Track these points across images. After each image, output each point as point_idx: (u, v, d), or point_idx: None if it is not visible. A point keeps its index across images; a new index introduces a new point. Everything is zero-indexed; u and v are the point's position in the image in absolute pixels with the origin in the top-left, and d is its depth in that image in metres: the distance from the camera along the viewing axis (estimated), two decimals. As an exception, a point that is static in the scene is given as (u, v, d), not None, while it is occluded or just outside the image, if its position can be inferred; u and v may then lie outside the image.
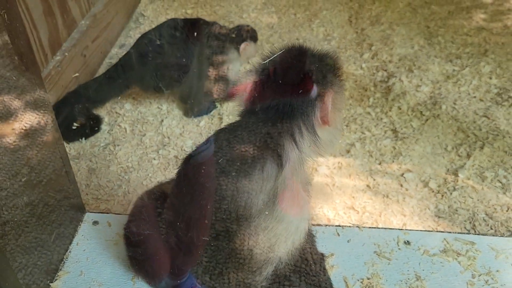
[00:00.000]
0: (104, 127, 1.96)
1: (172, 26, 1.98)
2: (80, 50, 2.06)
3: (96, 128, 1.91)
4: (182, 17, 2.11)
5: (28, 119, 0.92)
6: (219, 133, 0.90)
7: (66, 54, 1.94)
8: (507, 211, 1.62)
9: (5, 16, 0.81)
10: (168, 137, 1.91)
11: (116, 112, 2.03)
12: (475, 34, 2.58)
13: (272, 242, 0.85)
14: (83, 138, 1.88)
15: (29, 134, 0.92)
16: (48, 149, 1.01)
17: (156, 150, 1.86)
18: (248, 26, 2.12)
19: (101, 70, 2.29)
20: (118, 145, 1.87)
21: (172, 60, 1.95)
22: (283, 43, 2.48)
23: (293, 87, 0.84)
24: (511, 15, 2.78)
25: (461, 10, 2.84)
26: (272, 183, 0.81)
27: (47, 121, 0.98)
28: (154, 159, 1.82)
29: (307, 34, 2.61)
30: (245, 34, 2.05)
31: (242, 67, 2.15)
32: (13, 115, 0.85)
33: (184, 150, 1.85)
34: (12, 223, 0.86)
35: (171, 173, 1.75)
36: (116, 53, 2.42)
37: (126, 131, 1.94)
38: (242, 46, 2.03)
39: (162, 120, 1.99)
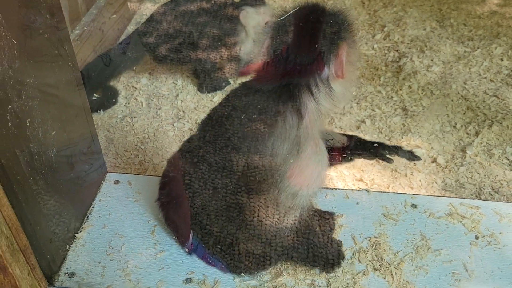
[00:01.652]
0: (121, 100, 2.02)
1: None
2: (99, 25, 2.11)
3: (114, 100, 1.97)
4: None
5: (57, 79, 0.98)
6: (245, 84, 0.97)
7: (85, 28, 2.00)
8: (513, 186, 1.66)
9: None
10: (183, 111, 1.97)
11: (133, 86, 2.09)
12: (487, 18, 2.59)
13: (297, 189, 0.91)
14: (101, 110, 1.94)
15: (58, 93, 0.98)
16: (75, 110, 1.07)
17: (171, 123, 1.91)
18: None
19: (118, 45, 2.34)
20: (134, 117, 1.93)
21: (182, 32, 2.01)
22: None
23: (310, 44, 0.88)
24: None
25: (474, -7, 2.85)
26: (295, 132, 0.87)
27: (75, 82, 1.04)
28: (170, 131, 1.87)
29: (320, 15, 2.64)
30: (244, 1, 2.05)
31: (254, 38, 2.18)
32: (44, 76, 0.91)
33: (198, 123, 1.90)
34: (44, 174, 0.92)
35: (186, 144, 1.81)
36: (132, 30, 2.47)
37: (142, 104, 2.00)
38: (241, 15, 2.03)
39: (177, 95, 2.05)
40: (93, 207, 1.16)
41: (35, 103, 0.87)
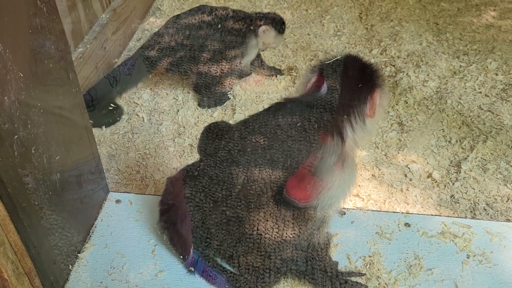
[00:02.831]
0: (123, 116, 2.06)
1: (201, 11, 2.09)
2: (101, 43, 2.16)
3: (118, 118, 2.02)
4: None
5: (61, 105, 1.01)
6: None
7: (88, 46, 2.04)
8: (507, 201, 1.68)
9: (44, 9, 0.91)
10: (184, 127, 2.01)
11: (134, 102, 2.13)
12: (483, 32, 2.64)
13: (334, 196, 1.07)
14: (104, 127, 1.99)
15: (62, 119, 1.02)
16: (78, 133, 1.11)
17: (172, 139, 1.95)
18: (275, 13, 2.19)
19: (120, 61, 2.39)
20: (136, 133, 1.97)
21: (183, 46, 2.08)
22: (294, 37, 2.56)
23: (355, 86, 1.07)
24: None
25: (470, 7, 2.89)
26: (340, 150, 1.03)
27: (79, 106, 1.08)
28: (170, 146, 1.91)
29: (318, 30, 2.68)
30: (267, 19, 2.12)
31: (257, 55, 2.24)
32: (49, 103, 0.95)
33: (198, 138, 1.94)
34: (48, 198, 0.96)
35: (186, 160, 1.85)
36: (134, 46, 2.52)
37: (143, 120, 2.04)
38: (261, 29, 2.10)
39: (178, 110, 2.09)
40: (95, 227, 1.19)
41: (40, 130, 0.91)
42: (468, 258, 1.11)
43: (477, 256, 1.12)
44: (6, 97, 0.79)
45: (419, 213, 1.60)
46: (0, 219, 0.80)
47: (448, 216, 1.28)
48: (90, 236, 1.17)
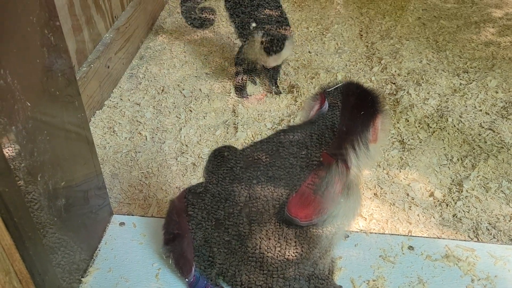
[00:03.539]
0: (125, 135, 2.07)
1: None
2: (104, 61, 2.18)
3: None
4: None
5: (65, 123, 1.02)
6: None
7: (92, 65, 2.06)
8: (509, 220, 1.69)
9: (52, 38, 0.92)
10: (186, 145, 2.02)
11: (137, 121, 2.14)
12: (482, 49, 2.66)
13: (340, 223, 1.08)
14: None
15: (68, 145, 1.03)
16: (83, 158, 1.12)
17: (174, 157, 1.96)
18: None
19: (123, 80, 2.41)
20: (139, 152, 1.98)
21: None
22: (296, 55, 2.58)
23: (358, 113, 1.09)
24: (520, 30, 2.85)
25: (469, 24, 2.92)
26: (344, 179, 1.05)
27: (83, 127, 1.09)
28: (173, 165, 1.92)
29: (319, 48, 2.71)
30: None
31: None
32: (51, 118, 0.95)
33: (201, 157, 1.95)
34: (50, 223, 0.96)
35: (189, 179, 1.85)
36: (137, 64, 2.54)
37: (146, 138, 2.05)
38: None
39: (181, 129, 2.10)
40: (99, 250, 1.19)
41: (46, 157, 0.92)
42: (472, 282, 1.11)
43: (481, 280, 1.12)
44: (13, 127, 0.80)
45: (422, 233, 1.60)
46: (6, 248, 0.81)
47: (451, 239, 1.28)
48: (94, 259, 1.17)
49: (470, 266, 1.15)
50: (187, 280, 1.13)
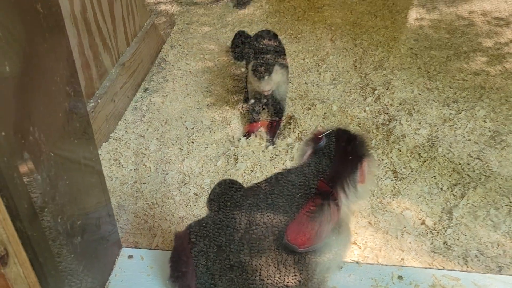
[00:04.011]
0: (131, 166, 2.17)
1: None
2: (111, 96, 2.29)
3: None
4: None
5: (81, 159, 1.12)
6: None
7: (99, 100, 2.18)
8: (497, 247, 1.77)
9: (72, 93, 1.03)
10: (189, 176, 2.12)
11: (142, 153, 2.25)
12: (471, 79, 2.78)
13: (333, 259, 1.17)
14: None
15: (82, 174, 1.13)
16: (97, 198, 1.21)
17: (178, 188, 2.05)
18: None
19: (128, 112, 2.52)
20: (144, 183, 2.08)
21: None
22: (293, 86, 2.70)
23: (346, 156, 1.19)
24: (510, 59, 2.98)
25: (459, 54, 3.05)
26: (337, 217, 1.15)
27: (95, 159, 1.19)
28: (176, 196, 2.01)
29: (315, 78, 2.83)
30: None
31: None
32: (70, 162, 1.05)
33: (203, 187, 2.05)
34: (68, 259, 1.06)
35: (192, 209, 1.95)
36: (141, 96, 2.66)
37: (150, 170, 2.15)
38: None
39: (183, 160, 2.20)
40: (110, 282, 1.28)
41: (66, 200, 1.02)
42: (457, 309, 1.20)
43: (465, 308, 1.21)
44: (39, 176, 0.90)
45: (414, 260, 1.69)
46: (32, 285, 0.90)
47: (439, 269, 1.37)
48: (105, 291, 1.26)
49: (455, 294, 1.24)
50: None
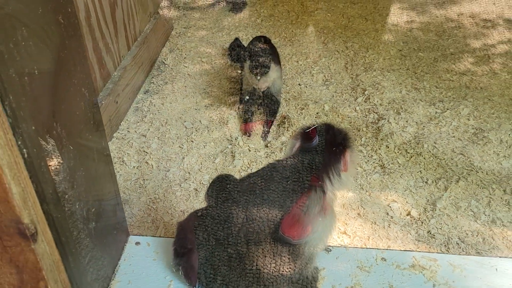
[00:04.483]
0: (134, 164, 2.29)
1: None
2: (114, 98, 2.42)
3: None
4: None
5: (94, 152, 1.25)
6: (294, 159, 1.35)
7: (103, 102, 2.30)
8: (477, 235, 1.91)
9: (86, 94, 1.16)
10: (189, 172, 2.24)
11: (144, 151, 2.37)
12: (457, 80, 2.92)
13: (319, 237, 1.30)
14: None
15: (96, 164, 1.25)
16: (108, 185, 1.34)
17: (178, 184, 2.18)
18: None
19: (129, 113, 2.65)
20: (146, 179, 2.20)
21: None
22: (287, 88, 2.83)
23: (331, 148, 1.33)
24: (496, 60, 3.12)
25: (445, 56, 3.19)
26: (322, 202, 1.28)
27: (105, 152, 1.31)
28: (177, 191, 2.14)
29: (308, 80, 2.96)
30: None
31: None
32: (85, 155, 1.18)
33: (202, 183, 2.17)
34: (85, 244, 1.18)
35: (192, 203, 2.07)
36: (141, 98, 2.78)
37: (152, 167, 2.28)
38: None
39: (183, 158, 2.33)
40: (119, 266, 1.40)
41: (82, 189, 1.14)
42: (434, 286, 1.33)
43: (441, 285, 1.34)
44: (61, 166, 1.03)
45: (399, 248, 1.82)
46: (55, 262, 1.02)
47: (418, 251, 1.50)
48: (115, 274, 1.38)
49: (432, 273, 1.37)
50: (194, 288, 1.34)
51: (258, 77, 2.37)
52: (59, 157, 1.01)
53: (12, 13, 0.84)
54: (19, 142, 0.86)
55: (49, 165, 0.97)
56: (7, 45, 0.81)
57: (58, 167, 1.00)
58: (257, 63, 2.38)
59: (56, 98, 1.00)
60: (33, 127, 0.90)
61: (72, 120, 1.09)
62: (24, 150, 0.87)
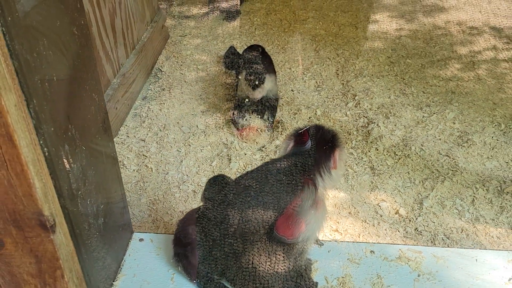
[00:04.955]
0: (133, 167, 2.38)
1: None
2: (113, 104, 2.51)
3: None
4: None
5: (103, 153, 1.34)
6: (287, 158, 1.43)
7: (104, 108, 2.39)
8: (461, 232, 2.02)
9: (96, 98, 1.26)
10: (187, 175, 2.33)
11: (143, 155, 2.46)
12: (443, 85, 3.05)
13: (312, 230, 1.39)
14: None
15: (104, 165, 1.34)
16: (114, 184, 1.43)
17: (177, 186, 2.27)
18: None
19: (128, 119, 2.74)
20: (146, 182, 2.29)
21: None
22: (280, 93, 2.94)
23: (321, 147, 1.42)
24: (481, 66, 3.25)
25: (432, 63, 3.32)
26: (314, 196, 1.37)
27: (112, 154, 1.41)
28: (176, 193, 2.23)
29: (300, 86, 3.08)
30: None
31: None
32: (95, 157, 1.27)
33: (200, 185, 2.27)
34: (95, 238, 1.27)
35: (190, 204, 2.16)
36: (140, 104, 2.88)
37: (152, 170, 2.37)
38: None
39: (181, 161, 2.42)
40: (124, 261, 1.49)
41: (92, 187, 1.24)
42: (418, 276, 1.43)
43: (425, 275, 1.44)
44: (75, 165, 1.12)
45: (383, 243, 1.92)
46: (70, 252, 1.11)
47: (404, 244, 1.61)
48: (121, 268, 1.47)
49: (417, 264, 1.47)
50: (195, 282, 1.43)
51: (254, 89, 2.48)
52: (74, 156, 1.10)
53: (34, 25, 0.93)
54: (41, 142, 0.95)
55: (65, 163, 1.06)
56: (32, 54, 0.91)
57: (73, 165, 1.09)
58: (252, 75, 2.50)
59: (70, 103, 1.10)
60: (52, 129, 1.00)
61: (84, 123, 1.18)
62: (45, 149, 0.97)
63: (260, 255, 1.41)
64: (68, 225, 1.09)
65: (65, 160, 1.05)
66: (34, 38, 0.93)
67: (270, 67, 2.68)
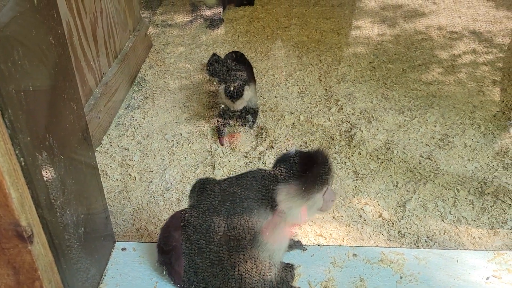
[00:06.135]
0: (117, 176, 2.37)
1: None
2: (96, 113, 2.50)
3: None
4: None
5: (83, 164, 1.33)
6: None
7: (86, 117, 2.37)
8: (444, 234, 2.04)
9: (75, 108, 1.25)
10: (171, 183, 2.33)
11: (127, 164, 2.45)
12: (424, 89, 3.09)
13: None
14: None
15: (84, 175, 1.34)
16: (95, 193, 1.42)
17: (161, 194, 2.26)
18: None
19: (112, 128, 2.72)
20: (130, 191, 2.28)
21: None
22: (263, 100, 2.95)
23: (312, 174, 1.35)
24: (461, 70, 3.31)
25: (413, 68, 3.37)
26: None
27: (93, 164, 1.40)
28: (160, 201, 2.22)
29: (284, 92, 3.09)
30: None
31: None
32: (74, 166, 1.26)
33: (184, 193, 2.26)
34: (75, 246, 1.26)
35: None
36: (123, 113, 2.86)
37: (135, 179, 2.35)
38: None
39: (165, 169, 2.41)
40: (107, 270, 1.48)
41: (72, 196, 1.23)
42: (401, 278, 1.45)
43: (407, 276, 1.45)
44: (54, 174, 1.11)
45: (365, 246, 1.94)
46: (49, 263, 1.10)
47: (386, 247, 1.62)
48: (103, 278, 1.46)
49: (399, 266, 1.49)
50: (178, 286, 1.42)
51: (233, 101, 2.51)
52: (52, 166, 1.09)
53: (10, 34, 0.93)
54: (17, 152, 0.94)
55: (43, 173, 1.06)
56: (6, 64, 0.91)
57: (50, 175, 1.09)
58: (230, 88, 2.54)
59: (48, 112, 1.09)
60: (29, 138, 0.99)
61: (63, 132, 1.18)
62: (21, 158, 0.96)
63: (246, 263, 1.40)
64: (47, 235, 1.08)
65: (42, 170, 1.05)
66: (9, 47, 0.93)
67: (249, 75, 2.71)
